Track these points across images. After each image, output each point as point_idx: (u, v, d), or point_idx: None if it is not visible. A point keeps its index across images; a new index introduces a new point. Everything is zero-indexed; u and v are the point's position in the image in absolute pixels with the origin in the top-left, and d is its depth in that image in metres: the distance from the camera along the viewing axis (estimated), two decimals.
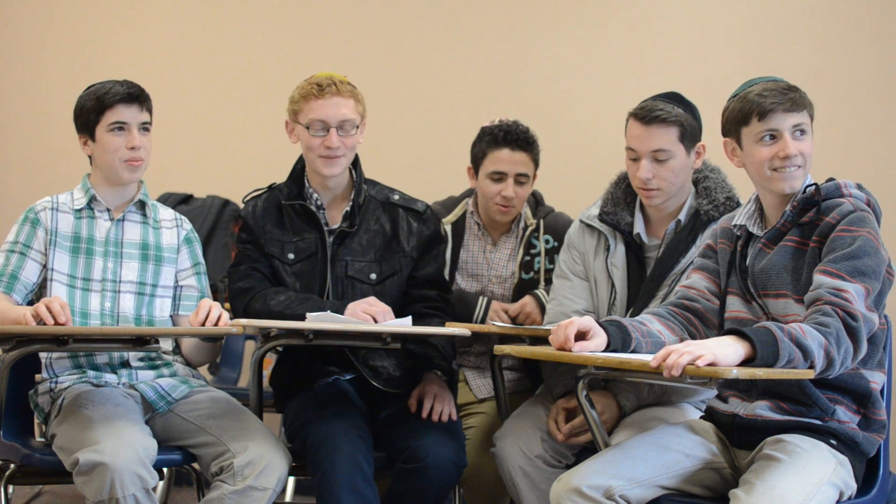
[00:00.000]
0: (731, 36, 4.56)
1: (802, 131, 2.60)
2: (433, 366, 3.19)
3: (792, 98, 2.59)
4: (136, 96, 3.02)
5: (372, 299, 3.05)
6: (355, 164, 3.27)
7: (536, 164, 3.54)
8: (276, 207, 3.25)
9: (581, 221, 3.23)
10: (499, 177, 3.49)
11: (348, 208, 3.23)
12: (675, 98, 3.03)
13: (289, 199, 3.23)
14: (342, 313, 2.99)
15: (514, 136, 3.48)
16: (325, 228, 3.22)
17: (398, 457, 3.02)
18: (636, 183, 3.04)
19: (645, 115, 2.99)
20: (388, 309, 3.02)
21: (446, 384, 3.19)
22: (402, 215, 3.26)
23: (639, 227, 3.13)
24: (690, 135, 3.01)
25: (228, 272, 3.30)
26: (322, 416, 2.99)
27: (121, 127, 3.01)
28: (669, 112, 2.97)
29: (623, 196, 3.16)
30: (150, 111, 3.08)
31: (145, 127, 3.05)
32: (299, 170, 3.26)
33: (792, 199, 2.62)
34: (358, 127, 3.17)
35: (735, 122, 2.65)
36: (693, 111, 3.04)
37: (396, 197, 3.29)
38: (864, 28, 4.42)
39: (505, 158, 3.48)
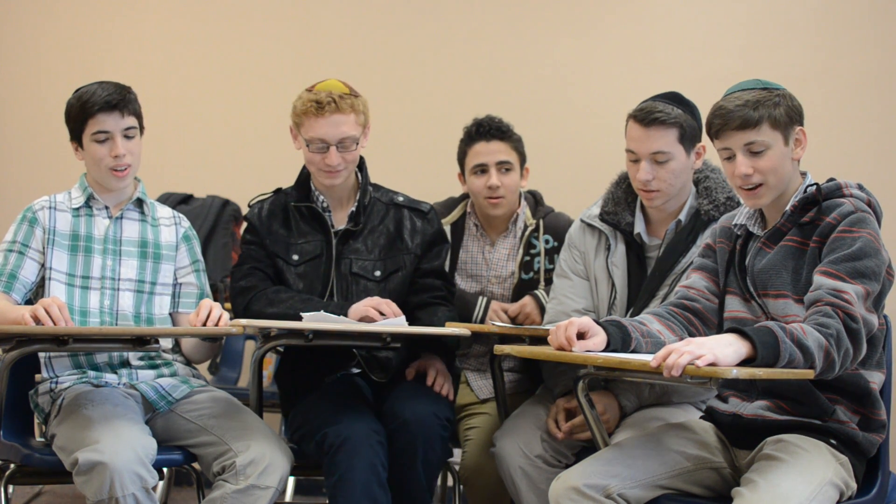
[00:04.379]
0: (731, 36, 4.56)
1: (758, 149, 2.55)
2: (432, 347, 3.21)
3: (743, 115, 2.54)
4: (115, 104, 2.96)
5: (375, 298, 3.06)
6: (361, 166, 3.29)
7: (520, 153, 3.55)
8: (281, 210, 3.27)
9: (582, 221, 3.23)
10: (481, 169, 3.51)
11: (353, 209, 3.24)
12: (674, 98, 3.03)
13: (297, 202, 3.24)
14: (345, 314, 2.99)
15: (487, 128, 3.52)
16: (332, 230, 3.23)
17: (385, 423, 3.04)
18: (636, 184, 3.04)
19: (644, 116, 2.98)
20: (389, 301, 3.04)
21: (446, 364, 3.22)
22: (407, 215, 3.28)
23: (639, 226, 3.13)
24: (690, 136, 3.00)
25: (231, 271, 3.32)
26: (339, 418, 3.00)
27: (104, 136, 2.98)
28: (668, 113, 2.97)
29: (624, 196, 3.16)
30: (135, 114, 3.02)
31: (130, 132, 3.00)
32: (306, 175, 3.28)
33: (792, 199, 2.61)
34: (358, 141, 3.17)
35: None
36: (693, 111, 3.03)
37: (401, 198, 3.32)
38: (865, 28, 4.42)
39: (482, 150, 3.51)
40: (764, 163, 2.56)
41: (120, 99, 2.98)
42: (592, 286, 3.19)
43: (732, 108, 2.56)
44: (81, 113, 2.98)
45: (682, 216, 3.07)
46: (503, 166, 3.50)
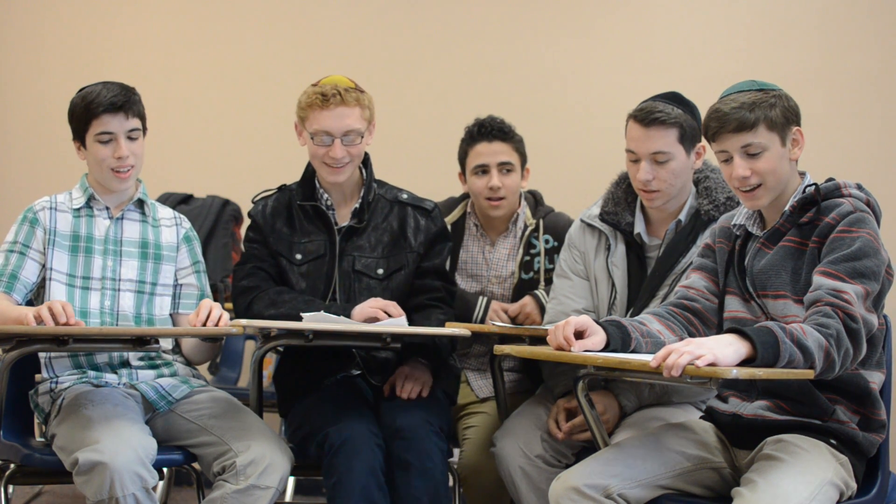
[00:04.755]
0: (731, 36, 4.56)
1: (755, 151, 2.56)
2: (417, 352, 3.20)
3: (739, 118, 2.54)
4: (120, 105, 2.96)
5: (380, 299, 3.06)
6: (365, 163, 3.29)
7: (521, 154, 3.55)
8: (285, 208, 3.27)
9: (582, 221, 3.24)
10: (482, 170, 3.51)
11: (357, 205, 3.24)
12: (674, 98, 3.03)
13: (302, 200, 3.24)
14: (348, 315, 2.99)
15: (489, 129, 3.52)
16: (335, 227, 3.23)
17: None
18: (636, 184, 3.04)
19: (644, 116, 2.98)
20: (395, 303, 3.04)
21: (425, 366, 3.21)
22: (411, 213, 3.28)
23: (639, 226, 3.13)
24: (690, 136, 3.00)
25: (233, 270, 3.32)
26: (340, 419, 2.99)
27: (107, 137, 2.98)
28: (668, 114, 2.97)
29: (624, 196, 3.16)
30: (139, 115, 3.02)
31: (133, 134, 3.00)
32: (311, 172, 3.28)
33: (791, 200, 2.61)
34: (363, 135, 3.17)
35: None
36: (693, 111, 3.03)
37: (405, 196, 3.31)
38: (864, 28, 4.43)
39: (483, 151, 3.51)
40: (761, 164, 2.56)
41: (125, 100, 2.98)
42: (592, 286, 3.19)
43: (728, 111, 2.56)
44: (85, 113, 2.98)
45: (682, 216, 3.07)
46: (504, 167, 3.50)
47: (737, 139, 2.56)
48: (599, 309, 3.17)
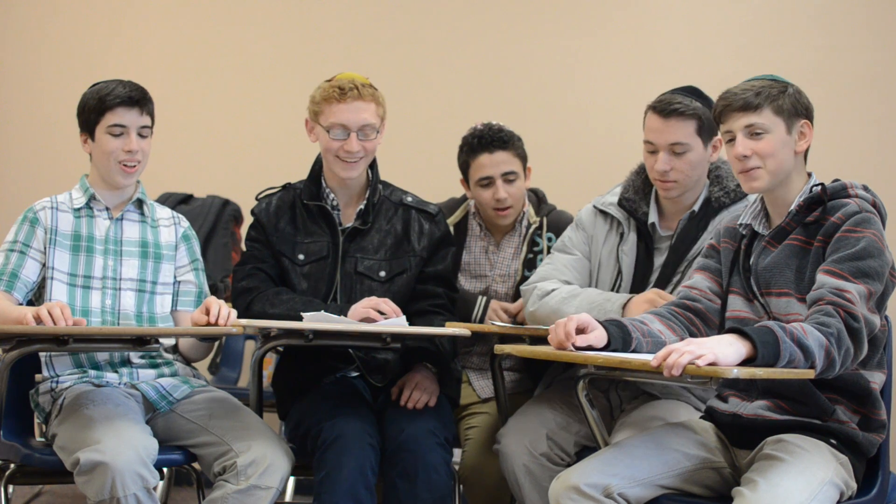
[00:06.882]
0: (732, 36, 4.56)
1: (758, 132, 2.58)
2: (423, 357, 3.20)
3: (746, 98, 2.58)
4: (136, 100, 3.01)
5: (374, 298, 3.06)
6: (372, 164, 3.28)
7: (522, 158, 3.53)
8: (289, 206, 3.26)
9: (594, 207, 3.24)
10: (487, 182, 3.49)
11: (362, 206, 3.24)
12: (693, 92, 3.06)
13: (308, 199, 3.24)
14: (345, 315, 2.99)
15: (489, 139, 3.49)
16: (339, 228, 3.23)
17: (386, 445, 3.02)
18: (653, 175, 3.06)
19: (664, 107, 3.00)
20: (387, 299, 3.04)
21: (434, 375, 3.20)
22: (415, 216, 3.28)
23: (653, 217, 3.14)
24: (708, 128, 3.02)
25: (234, 271, 3.31)
26: (336, 414, 2.99)
27: (119, 130, 3.01)
28: (688, 105, 2.99)
29: (642, 185, 3.18)
30: (151, 115, 3.06)
31: (144, 132, 3.04)
32: (318, 170, 3.27)
33: (797, 199, 2.62)
34: (378, 131, 3.18)
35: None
36: (711, 105, 3.04)
37: (409, 199, 3.31)
38: (864, 28, 4.43)
39: (486, 163, 3.48)
40: (762, 145, 2.58)
41: (141, 97, 3.03)
42: (593, 270, 3.20)
43: (737, 92, 2.61)
44: (100, 104, 3.00)
45: (696, 207, 3.09)
46: (508, 177, 3.49)
47: (741, 118, 2.59)
48: None
